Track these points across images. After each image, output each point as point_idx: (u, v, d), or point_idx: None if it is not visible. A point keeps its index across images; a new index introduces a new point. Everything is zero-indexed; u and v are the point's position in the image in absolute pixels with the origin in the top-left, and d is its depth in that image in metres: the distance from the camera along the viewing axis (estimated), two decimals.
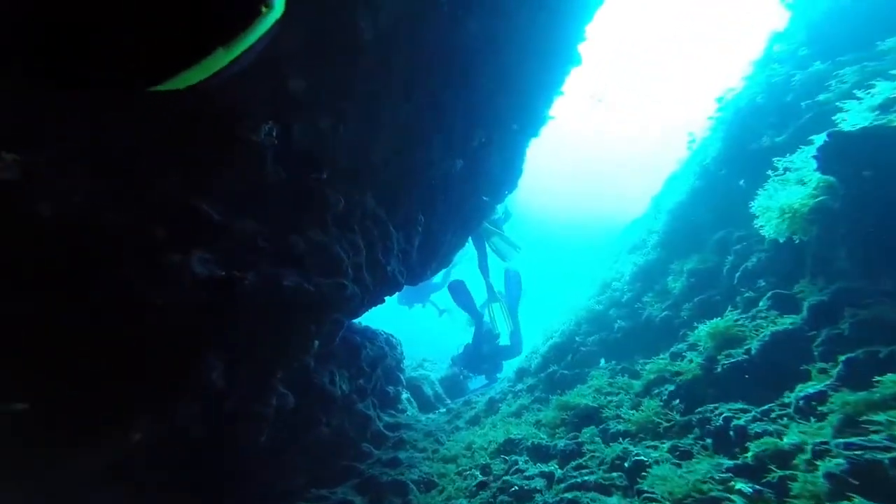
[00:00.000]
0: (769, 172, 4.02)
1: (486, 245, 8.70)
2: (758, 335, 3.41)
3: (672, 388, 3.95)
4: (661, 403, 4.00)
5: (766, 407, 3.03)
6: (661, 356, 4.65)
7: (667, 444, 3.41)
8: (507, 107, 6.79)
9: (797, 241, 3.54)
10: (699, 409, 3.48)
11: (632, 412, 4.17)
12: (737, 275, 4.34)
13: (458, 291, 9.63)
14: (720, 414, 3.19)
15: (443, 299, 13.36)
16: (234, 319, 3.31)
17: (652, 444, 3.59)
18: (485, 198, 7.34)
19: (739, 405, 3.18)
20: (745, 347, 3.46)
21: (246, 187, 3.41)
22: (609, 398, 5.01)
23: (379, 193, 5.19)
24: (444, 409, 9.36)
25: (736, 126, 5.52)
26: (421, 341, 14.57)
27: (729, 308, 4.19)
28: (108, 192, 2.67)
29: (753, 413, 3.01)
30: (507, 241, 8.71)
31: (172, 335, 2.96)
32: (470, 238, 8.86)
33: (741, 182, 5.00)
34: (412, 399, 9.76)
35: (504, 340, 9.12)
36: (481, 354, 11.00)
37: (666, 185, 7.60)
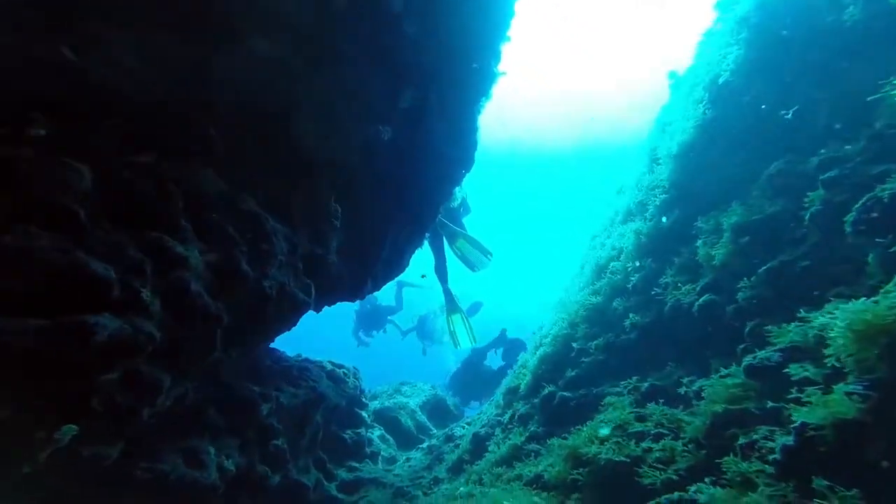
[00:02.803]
0: None
1: (451, 248, 6.44)
2: None
3: (791, 441, 1.76)
4: (775, 471, 1.81)
5: None
6: (725, 371, 2.47)
7: None
8: (442, 58, 4.68)
9: None
10: None
11: (715, 490, 1.96)
12: (849, 218, 2.19)
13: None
14: None
15: (404, 320, 10.92)
16: None
17: None
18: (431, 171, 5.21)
19: None
20: None
21: None
22: (645, 446, 2.80)
23: (238, 171, 3.02)
24: (426, 446, 7.07)
25: (773, 13, 3.43)
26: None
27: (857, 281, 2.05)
28: None
29: None
30: (476, 245, 6.44)
31: None
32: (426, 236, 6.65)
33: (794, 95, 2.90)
34: (388, 435, 7.47)
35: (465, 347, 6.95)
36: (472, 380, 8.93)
37: (654, 131, 5.48)
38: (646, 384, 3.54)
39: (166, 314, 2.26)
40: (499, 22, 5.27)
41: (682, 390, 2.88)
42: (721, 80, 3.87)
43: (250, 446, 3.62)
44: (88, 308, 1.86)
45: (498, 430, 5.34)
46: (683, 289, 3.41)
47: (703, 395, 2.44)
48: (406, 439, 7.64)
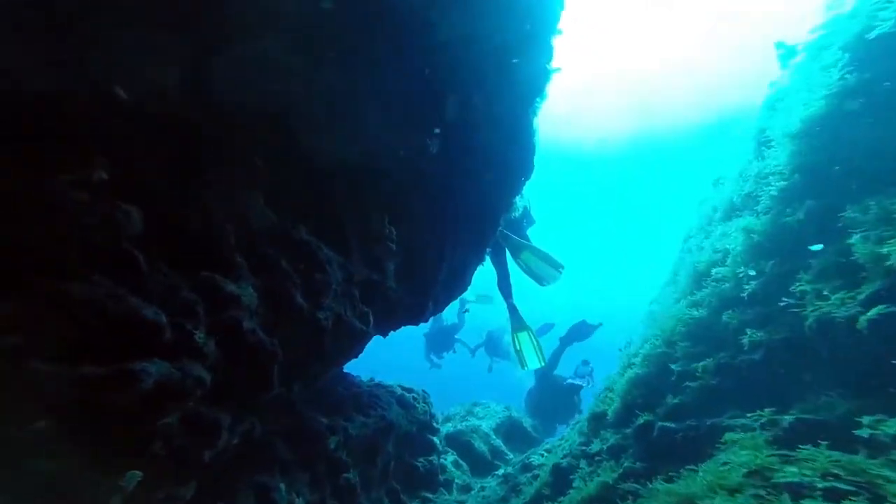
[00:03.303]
0: None
1: (516, 262, 5.87)
2: None
3: None
4: None
5: None
6: None
7: None
8: (486, 59, 4.25)
9: None
10: None
11: None
12: None
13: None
14: None
15: (470, 336, 10.36)
16: None
17: None
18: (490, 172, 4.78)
19: None
20: None
21: None
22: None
23: (284, 198, 2.85)
24: (501, 474, 6.48)
25: None
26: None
27: None
28: None
29: None
30: (545, 257, 5.75)
31: None
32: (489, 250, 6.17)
33: None
34: (461, 461, 7.02)
35: (532, 367, 6.20)
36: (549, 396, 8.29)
37: (763, 111, 4.50)
38: (789, 418, 2.72)
39: (221, 354, 2.08)
40: (548, 14, 4.75)
41: (864, 433, 2.07)
42: (876, 33, 2.97)
43: (321, 481, 3.39)
44: (139, 354, 1.70)
45: (583, 463, 4.64)
46: (834, 298, 2.57)
47: None
48: (480, 465, 7.12)
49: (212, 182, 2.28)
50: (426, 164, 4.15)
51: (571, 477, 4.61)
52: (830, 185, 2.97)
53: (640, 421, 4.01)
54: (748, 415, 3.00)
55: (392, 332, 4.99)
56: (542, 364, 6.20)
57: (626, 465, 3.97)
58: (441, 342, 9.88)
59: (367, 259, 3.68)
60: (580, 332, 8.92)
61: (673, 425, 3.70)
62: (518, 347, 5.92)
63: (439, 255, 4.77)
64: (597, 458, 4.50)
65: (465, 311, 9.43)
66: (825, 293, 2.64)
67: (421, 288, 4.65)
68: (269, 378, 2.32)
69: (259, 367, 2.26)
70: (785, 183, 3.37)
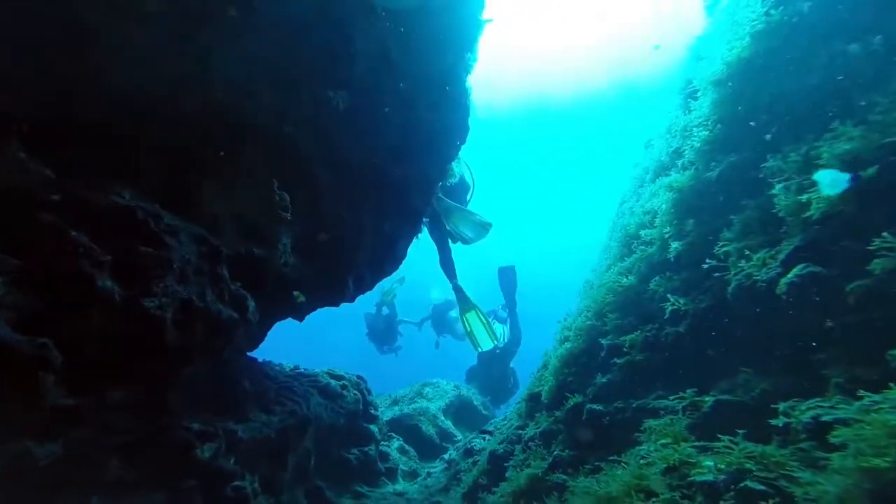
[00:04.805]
0: None
1: (447, 225, 5.38)
2: None
3: None
4: None
5: None
6: (874, 398, 1.28)
7: None
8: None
9: None
10: None
11: None
12: None
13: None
14: None
15: (404, 309, 9.87)
16: None
17: None
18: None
19: None
20: None
21: None
22: None
23: (98, 155, 2.18)
24: (447, 458, 6.12)
25: None
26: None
27: None
28: None
29: None
30: (472, 217, 5.37)
31: None
32: (426, 225, 5.63)
33: None
34: (407, 446, 6.61)
35: (485, 348, 5.79)
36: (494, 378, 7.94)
37: (689, 62, 4.07)
38: (709, 399, 2.35)
39: None
40: None
41: (778, 422, 1.68)
42: None
43: (188, 496, 2.81)
44: None
45: (517, 449, 4.27)
46: (756, 258, 2.16)
47: (825, 430, 1.27)
48: (429, 448, 6.75)
49: None
50: (332, 123, 3.52)
51: (506, 465, 4.26)
52: (753, 135, 2.54)
53: (570, 404, 3.63)
54: (671, 397, 2.64)
55: (308, 314, 4.41)
56: (496, 342, 5.82)
57: (555, 453, 3.59)
58: (385, 336, 9.36)
59: (248, 230, 3.05)
60: (505, 280, 8.56)
61: (601, 408, 3.33)
62: (469, 329, 5.51)
63: (357, 227, 4.17)
64: (530, 443, 4.14)
65: (392, 297, 8.99)
66: (747, 252, 2.23)
67: (337, 264, 4.06)
68: (36, 389, 1.70)
69: (12, 377, 1.63)
70: (708, 133, 2.94)
